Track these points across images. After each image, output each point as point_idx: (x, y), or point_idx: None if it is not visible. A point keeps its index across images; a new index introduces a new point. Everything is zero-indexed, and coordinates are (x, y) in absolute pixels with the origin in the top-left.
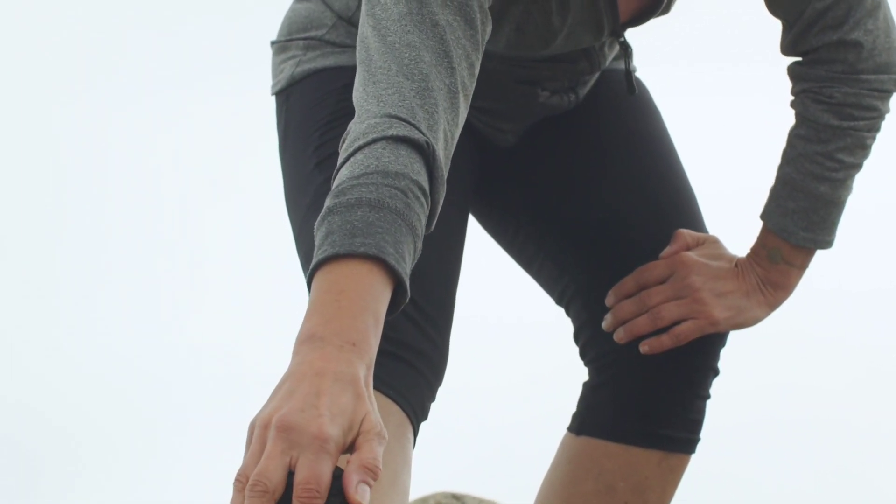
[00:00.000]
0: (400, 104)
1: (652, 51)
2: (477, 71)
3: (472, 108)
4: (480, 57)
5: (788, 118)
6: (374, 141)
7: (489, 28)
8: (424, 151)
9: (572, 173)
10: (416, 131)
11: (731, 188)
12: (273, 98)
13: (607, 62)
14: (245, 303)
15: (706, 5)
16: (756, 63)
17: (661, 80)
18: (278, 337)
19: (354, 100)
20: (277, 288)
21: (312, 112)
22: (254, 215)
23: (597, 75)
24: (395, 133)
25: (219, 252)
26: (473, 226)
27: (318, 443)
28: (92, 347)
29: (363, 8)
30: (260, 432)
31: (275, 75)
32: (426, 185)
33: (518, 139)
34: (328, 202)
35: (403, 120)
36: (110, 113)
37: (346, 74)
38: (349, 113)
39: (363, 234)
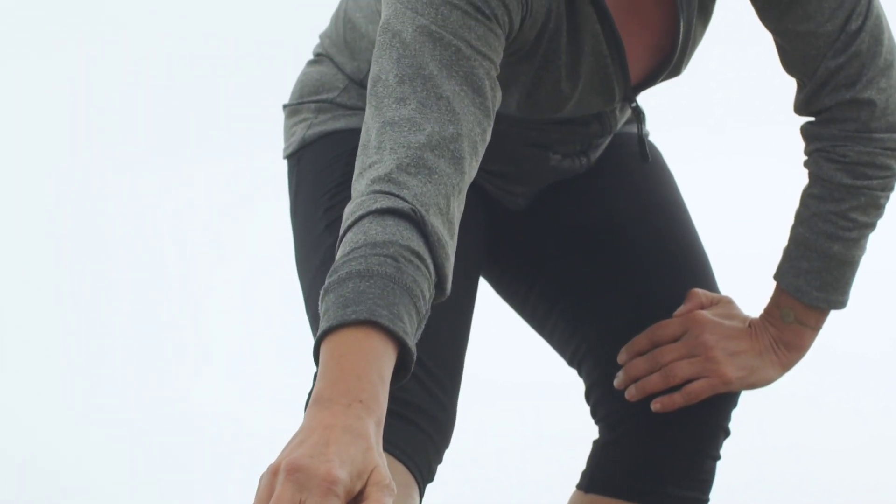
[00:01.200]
0: (387, 179)
1: (664, 115)
2: (488, 136)
3: (484, 172)
4: (491, 123)
5: (800, 180)
6: (361, 217)
7: (499, 95)
8: (412, 218)
9: (584, 235)
10: (401, 201)
11: (742, 251)
12: (285, 161)
13: (619, 125)
14: (250, 368)
15: (716, 67)
16: (763, 125)
17: (673, 144)
18: (283, 403)
19: (352, 187)
20: (282, 353)
21: (323, 174)
22: (259, 280)
23: (609, 139)
24: (379, 206)
25: (223, 316)
26: (482, 287)
27: (326, 484)
28: (95, 410)
29: (369, 81)
30: (269, 479)
31: (287, 138)
32: (421, 249)
33: (529, 202)
34: (325, 283)
35: (388, 193)
36: (112, 174)
37: (357, 137)
38: None
39: (354, 302)
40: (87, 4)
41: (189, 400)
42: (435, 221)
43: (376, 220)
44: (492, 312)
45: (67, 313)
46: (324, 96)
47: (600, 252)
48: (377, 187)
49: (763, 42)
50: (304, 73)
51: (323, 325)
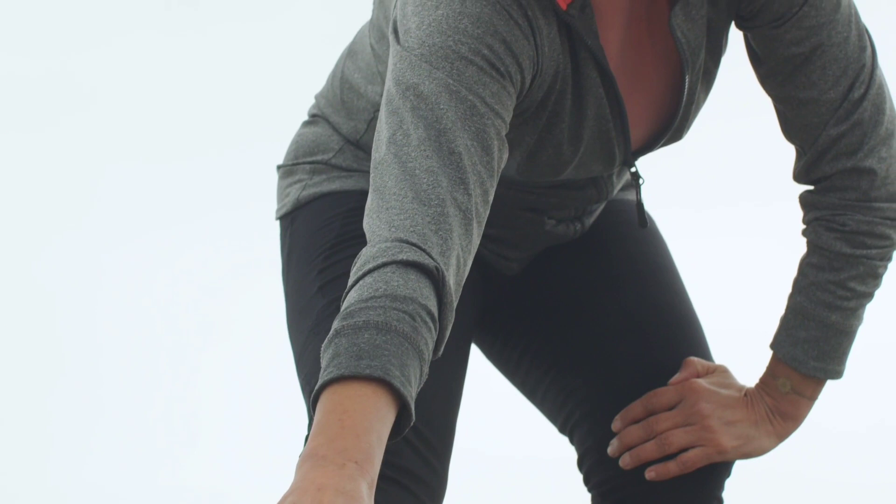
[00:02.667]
0: (412, 229)
1: (660, 192)
2: (491, 198)
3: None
4: (495, 184)
5: (791, 256)
6: (384, 265)
7: (505, 156)
8: (434, 277)
9: (578, 302)
10: (427, 256)
11: (735, 327)
12: (278, 222)
13: (616, 191)
14: (239, 446)
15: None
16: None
17: (668, 222)
18: (273, 480)
19: (366, 226)
20: (273, 431)
21: (317, 236)
22: (249, 356)
23: (603, 205)
24: (404, 258)
25: (213, 392)
26: (474, 355)
27: None
28: (85, 488)
29: (381, 134)
30: None
31: (280, 199)
32: (435, 311)
33: (523, 268)
34: (336, 324)
35: (414, 245)
36: (103, 251)
37: (352, 198)
38: (354, 237)
39: (369, 356)
40: (75, 80)
41: (179, 478)
42: (451, 283)
43: (399, 271)
44: (483, 382)
45: (57, 391)
46: (319, 157)
47: (594, 318)
48: (402, 236)
49: (763, 113)
50: (299, 134)
51: (333, 372)
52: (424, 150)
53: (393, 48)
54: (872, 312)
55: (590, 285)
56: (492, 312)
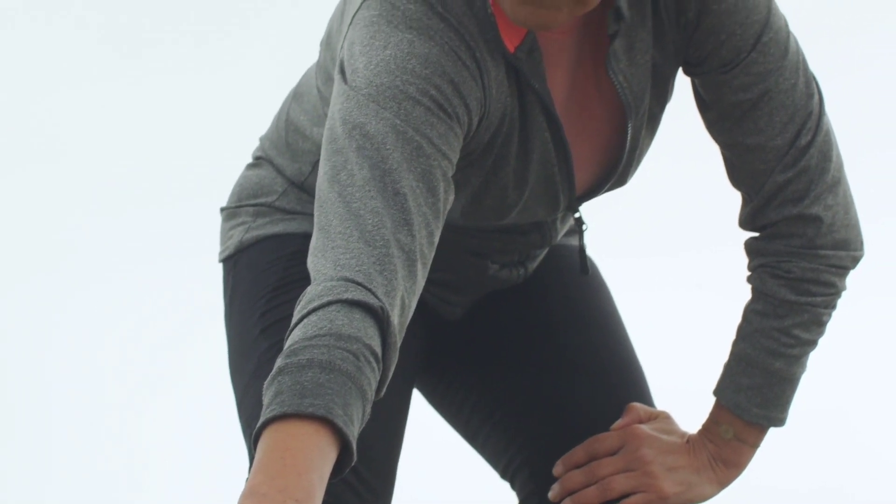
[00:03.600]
0: (357, 269)
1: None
2: (436, 240)
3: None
4: (441, 225)
5: (735, 307)
6: (329, 303)
7: (451, 197)
8: (379, 317)
9: (520, 346)
10: (372, 296)
11: (677, 375)
12: (220, 265)
13: (559, 237)
14: (188, 496)
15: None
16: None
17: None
18: None
19: (310, 264)
20: (221, 483)
21: (260, 278)
22: (197, 407)
23: (546, 250)
24: (350, 297)
25: (161, 444)
26: (415, 402)
27: None
28: None
29: (325, 173)
30: None
31: (223, 241)
32: (379, 351)
33: (466, 312)
34: (279, 362)
35: (360, 284)
36: (54, 305)
37: (295, 241)
38: (297, 279)
39: (313, 395)
40: (22, 132)
41: None
42: (395, 323)
43: (344, 310)
44: (425, 428)
45: (5, 449)
46: (262, 200)
47: (536, 364)
48: (347, 275)
49: (710, 159)
50: (242, 177)
51: (276, 409)
52: (369, 191)
53: (339, 87)
54: (817, 375)
55: (532, 330)
56: (434, 357)
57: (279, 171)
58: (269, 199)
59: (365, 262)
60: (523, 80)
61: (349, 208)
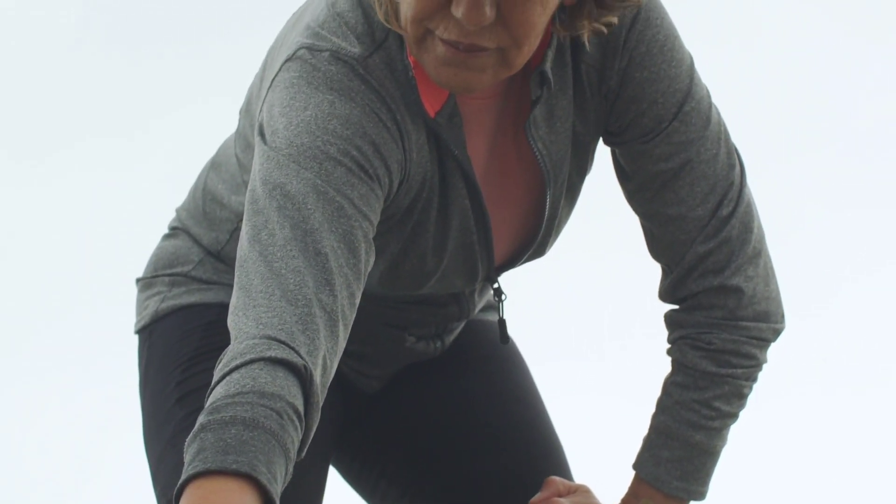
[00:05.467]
0: (280, 327)
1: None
2: (357, 301)
3: None
4: (362, 287)
5: (650, 385)
6: (252, 361)
7: (372, 259)
8: (302, 375)
9: (438, 420)
10: (295, 354)
11: (596, 446)
12: (136, 336)
13: (477, 309)
14: None
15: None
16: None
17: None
18: None
19: (231, 324)
20: None
21: (175, 348)
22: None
23: (464, 323)
24: (272, 355)
25: None
26: (331, 479)
27: None
28: None
29: (246, 233)
30: None
31: (138, 312)
32: (301, 410)
33: (383, 385)
34: (201, 419)
35: (283, 342)
36: None
37: (211, 311)
38: (214, 349)
39: (236, 451)
40: None
41: None
42: (318, 383)
43: (267, 367)
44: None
45: None
46: (178, 269)
47: (454, 437)
48: (270, 333)
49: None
50: (158, 247)
51: (199, 466)
52: (290, 251)
53: (259, 149)
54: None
55: (450, 404)
56: (350, 431)
57: (196, 240)
58: (186, 269)
59: (287, 320)
60: (443, 146)
61: (271, 268)
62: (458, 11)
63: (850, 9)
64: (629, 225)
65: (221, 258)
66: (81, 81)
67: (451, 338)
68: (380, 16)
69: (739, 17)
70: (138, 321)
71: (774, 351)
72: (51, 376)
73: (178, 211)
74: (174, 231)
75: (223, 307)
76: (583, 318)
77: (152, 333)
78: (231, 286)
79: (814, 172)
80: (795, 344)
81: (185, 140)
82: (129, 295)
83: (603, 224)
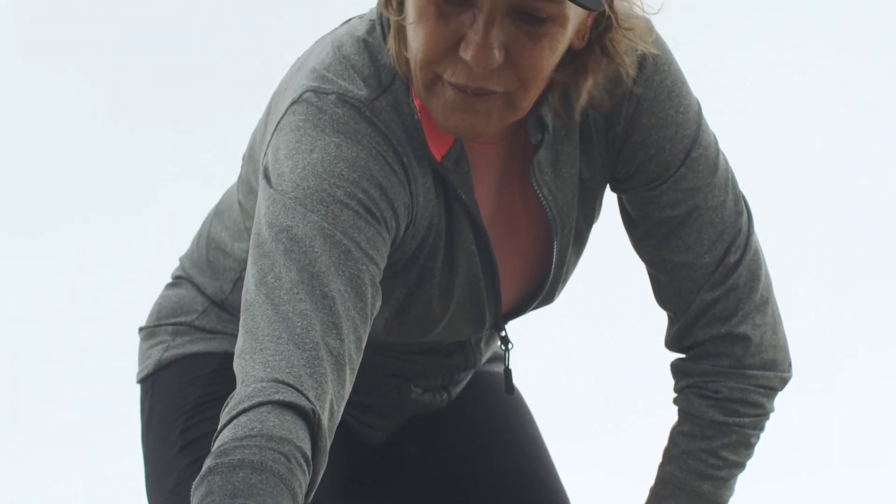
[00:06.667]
0: (287, 371)
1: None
2: (363, 345)
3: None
4: (368, 330)
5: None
6: (260, 404)
7: (378, 303)
8: (310, 419)
9: (445, 472)
10: (303, 398)
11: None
12: (138, 386)
13: (483, 360)
14: None
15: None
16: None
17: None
18: None
19: (237, 367)
20: None
21: (179, 397)
22: None
23: (471, 374)
24: (281, 398)
25: None
26: None
27: None
28: None
29: (252, 276)
30: None
31: (141, 361)
32: (309, 454)
33: (388, 437)
34: (209, 462)
35: (291, 386)
36: None
37: (214, 360)
38: (218, 397)
39: (244, 495)
40: None
41: None
42: (325, 427)
43: (275, 411)
44: None
45: None
46: (182, 319)
47: (463, 489)
48: (278, 376)
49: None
50: (161, 297)
51: None
52: (297, 293)
53: (264, 192)
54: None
55: (458, 455)
56: (354, 482)
57: (199, 289)
58: (189, 318)
59: (295, 364)
60: (450, 190)
61: (277, 311)
62: (466, 54)
63: (848, 81)
64: (637, 276)
65: (225, 308)
66: (83, 154)
67: (457, 389)
68: (393, 62)
69: (733, 88)
70: (141, 370)
71: (776, 426)
72: (50, 453)
73: (181, 260)
74: (178, 280)
75: (227, 356)
76: (592, 373)
77: (155, 383)
78: (235, 336)
79: (811, 246)
80: (798, 420)
81: (186, 214)
82: (130, 372)
83: (611, 274)
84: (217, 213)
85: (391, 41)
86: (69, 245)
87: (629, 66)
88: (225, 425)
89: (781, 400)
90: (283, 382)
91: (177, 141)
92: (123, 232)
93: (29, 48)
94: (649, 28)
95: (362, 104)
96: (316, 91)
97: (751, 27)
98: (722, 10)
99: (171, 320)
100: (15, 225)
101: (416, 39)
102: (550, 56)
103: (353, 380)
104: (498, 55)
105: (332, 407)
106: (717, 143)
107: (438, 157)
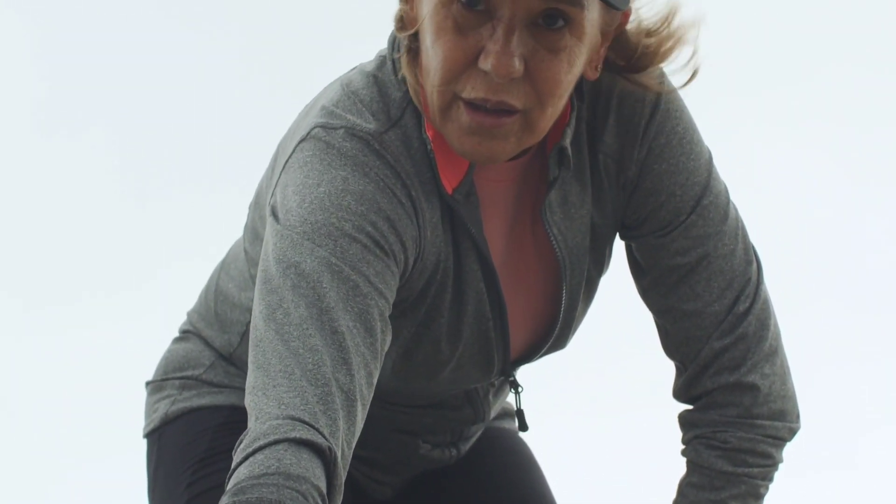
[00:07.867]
0: (303, 408)
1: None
2: (375, 381)
3: (351, 457)
4: (379, 367)
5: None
6: (276, 442)
7: (389, 338)
8: (326, 457)
9: None
10: (319, 436)
11: None
12: (145, 440)
13: (493, 414)
14: None
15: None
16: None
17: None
18: None
19: (250, 403)
20: None
21: (186, 450)
22: None
23: (480, 429)
24: (297, 436)
25: None
26: None
27: None
28: None
29: (260, 312)
30: None
31: (147, 415)
32: (325, 493)
33: (396, 492)
34: (225, 500)
35: (306, 423)
36: None
37: (221, 414)
38: (225, 451)
39: None
40: None
41: None
42: (341, 465)
43: (292, 449)
44: None
45: None
46: (189, 373)
47: None
48: (293, 413)
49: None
50: (169, 351)
51: None
52: (307, 329)
53: (272, 228)
54: None
55: None
56: None
57: (207, 343)
58: (196, 372)
59: (309, 400)
60: (459, 225)
61: (288, 347)
62: (486, 64)
63: (855, 157)
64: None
65: (233, 361)
66: (89, 230)
67: (466, 445)
68: (410, 93)
69: (739, 165)
70: (147, 424)
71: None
72: None
73: (189, 314)
74: (185, 334)
75: (234, 409)
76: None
77: (161, 436)
78: (242, 390)
79: (820, 324)
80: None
81: (192, 290)
82: (137, 446)
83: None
84: (223, 266)
85: (404, 66)
86: (78, 319)
87: (641, 111)
88: (240, 462)
89: (796, 477)
90: (298, 420)
91: (182, 215)
92: (129, 307)
93: (41, 123)
94: (661, 72)
95: (371, 137)
96: (324, 127)
97: (757, 103)
98: (727, 86)
99: (179, 374)
100: (30, 298)
101: (435, 57)
102: (568, 70)
103: (365, 417)
104: (518, 65)
105: (344, 444)
106: (727, 192)
107: (449, 190)
